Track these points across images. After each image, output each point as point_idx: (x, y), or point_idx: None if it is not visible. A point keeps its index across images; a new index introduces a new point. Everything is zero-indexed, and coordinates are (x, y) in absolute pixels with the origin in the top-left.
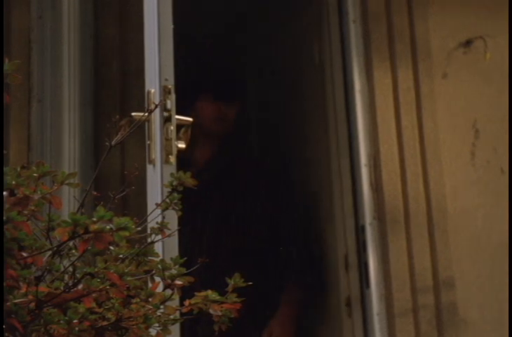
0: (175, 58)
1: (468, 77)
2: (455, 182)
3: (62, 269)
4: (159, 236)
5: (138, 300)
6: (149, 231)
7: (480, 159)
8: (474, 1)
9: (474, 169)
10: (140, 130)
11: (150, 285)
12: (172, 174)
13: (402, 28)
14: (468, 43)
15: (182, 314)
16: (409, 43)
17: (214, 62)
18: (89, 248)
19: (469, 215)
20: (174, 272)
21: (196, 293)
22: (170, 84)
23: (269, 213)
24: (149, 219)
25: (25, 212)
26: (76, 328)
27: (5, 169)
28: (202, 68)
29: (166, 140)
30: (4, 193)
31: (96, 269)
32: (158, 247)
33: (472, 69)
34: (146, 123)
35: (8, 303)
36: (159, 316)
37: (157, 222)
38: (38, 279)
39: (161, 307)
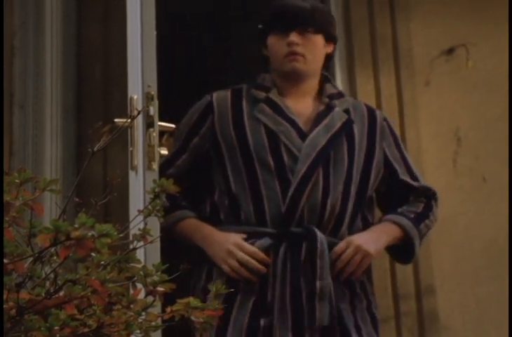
0: None
1: (450, 85)
2: (437, 190)
3: (44, 275)
4: (141, 243)
5: (120, 306)
6: (131, 237)
7: (462, 166)
8: (456, 9)
9: (456, 177)
10: (123, 136)
11: (132, 292)
12: (154, 181)
13: (384, 35)
14: (450, 51)
15: (163, 321)
16: (391, 51)
17: None
18: (71, 254)
19: (451, 223)
20: (156, 278)
21: (177, 300)
22: (153, 90)
23: None
24: (131, 226)
25: (6, 218)
26: (57, 335)
27: None
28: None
29: (149, 147)
30: None
31: (78, 276)
32: (140, 254)
33: (454, 77)
34: (129, 130)
35: None
36: (141, 323)
37: (139, 229)
38: (19, 286)
39: (143, 313)
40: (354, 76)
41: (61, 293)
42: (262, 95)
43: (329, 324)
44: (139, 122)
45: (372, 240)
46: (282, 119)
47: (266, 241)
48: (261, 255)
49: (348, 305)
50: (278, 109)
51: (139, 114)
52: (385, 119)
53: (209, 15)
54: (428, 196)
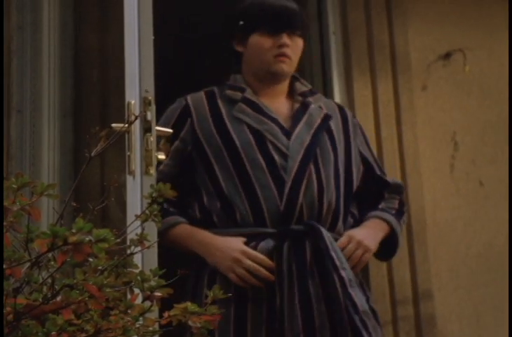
0: None
1: (447, 90)
2: (434, 194)
3: (41, 280)
4: (138, 248)
5: (117, 311)
6: (128, 242)
7: (459, 171)
8: (453, 14)
9: (453, 181)
10: (120, 141)
11: (129, 297)
12: (152, 185)
13: (382, 40)
14: (447, 55)
15: (161, 326)
16: (389, 56)
17: None
18: (68, 259)
19: (448, 227)
20: (153, 283)
21: (175, 305)
22: (150, 96)
23: None
24: (129, 230)
25: (4, 223)
26: None
27: None
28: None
29: (146, 151)
30: None
31: (75, 281)
32: (137, 259)
33: (451, 81)
34: (126, 135)
35: None
36: (138, 328)
37: (136, 234)
38: (17, 291)
39: (140, 318)
40: (351, 81)
41: (58, 298)
42: (238, 95)
43: (340, 321)
44: (136, 127)
45: (371, 236)
46: (264, 117)
47: (268, 243)
48: (269, 262)
49: None
50: (258, 109)
51: (136, 119)
52: (354, 117)
53: (206, 19)
54: (399, 192)
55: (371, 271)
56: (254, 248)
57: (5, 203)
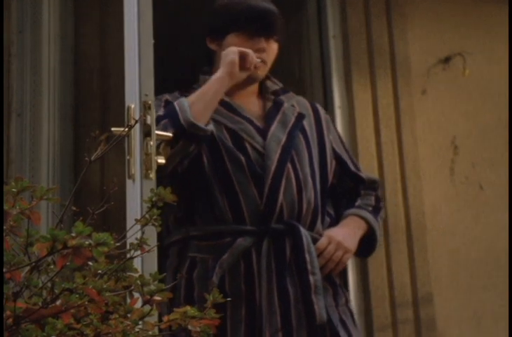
0: None
1: (447, 93)
2: (434, 198)
3: (41, 284)
4: (138, 252)
5: (117, 315)
6: (128, 246)
7: (459, 175)
8: (453, 18)
9: (453, 185)
10: (120, 145)
11: (129, 301)
12: (152, 190)
13: (381, 44)
14: (447, 59)
15: (160, 330)
16: (388, 59)
17: None
18: (68, 263)
19: (448, 231)
20: (153, 287)
21: (174, 309)
22: (150, 100)
23: None
24: (128, 235)
25: (4, 227)
26: None
27: None
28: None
29: (146, 155)
30: None
31: (74, 285)
32: (137, 263)
33: (451, 85)
34: (126, 139)
35: None
36: (138, 332)
37: (136, 238)
38: (16, 295)
39: (140, 322)
40: (351, 84)
41: (58, 302)
42: None
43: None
44: (136, 131)
45: (350, 236)
46: (239, 117)
47: (246, 240)
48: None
49: (332, 301)
50: (232, 109)
51: (136, 123)
52: (326, 113)
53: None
54: (375, 188)
55: (371, 275)
56: (231, 243)
57: (5, 207)
